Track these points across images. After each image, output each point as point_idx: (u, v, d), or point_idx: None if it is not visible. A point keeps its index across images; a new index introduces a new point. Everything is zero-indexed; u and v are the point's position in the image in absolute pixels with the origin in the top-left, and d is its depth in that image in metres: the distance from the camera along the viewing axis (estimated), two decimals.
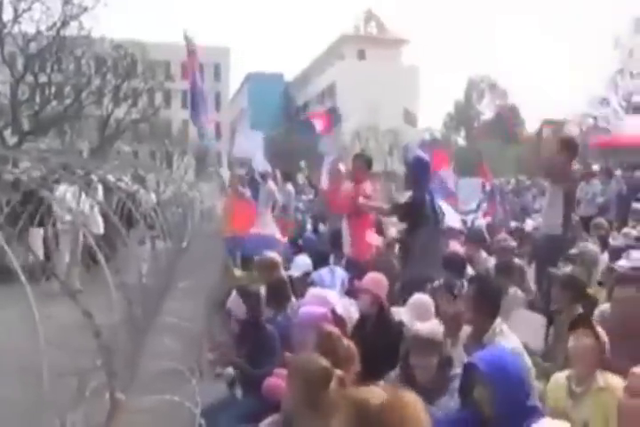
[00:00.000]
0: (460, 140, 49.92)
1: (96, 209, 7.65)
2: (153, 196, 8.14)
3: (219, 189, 7.09)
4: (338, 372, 2.13)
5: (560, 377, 2.56)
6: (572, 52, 71.53)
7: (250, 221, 6.11)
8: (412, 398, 1.61)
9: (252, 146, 8.01)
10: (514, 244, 5.52)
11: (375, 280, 3.66)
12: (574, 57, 71.81)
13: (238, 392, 3.45)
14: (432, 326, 2.83)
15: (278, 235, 5.32)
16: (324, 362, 2.13)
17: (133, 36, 28.74)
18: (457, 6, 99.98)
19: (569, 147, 5.00)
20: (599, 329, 2.49)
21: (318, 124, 8.15)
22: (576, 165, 5.11)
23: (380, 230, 5.69)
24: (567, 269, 3.64)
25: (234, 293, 3.77)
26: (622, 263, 4.41)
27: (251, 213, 6.18)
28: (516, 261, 4.86)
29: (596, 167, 10.31)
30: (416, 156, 4.86)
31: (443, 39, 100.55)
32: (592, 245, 4.80)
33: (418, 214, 4.42)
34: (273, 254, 4.83)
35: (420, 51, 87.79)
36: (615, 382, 2.38)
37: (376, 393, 1.58)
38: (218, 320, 3.83)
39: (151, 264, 4.05)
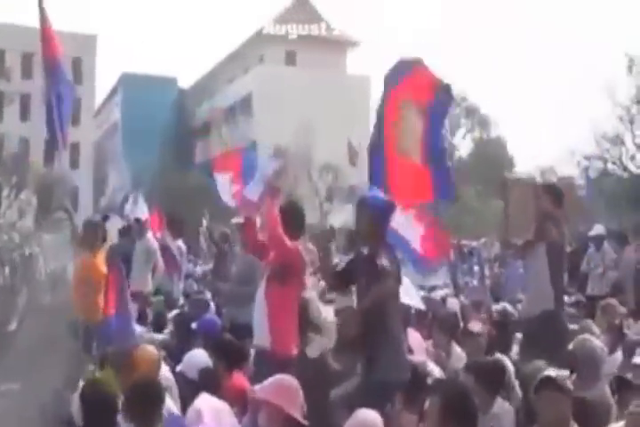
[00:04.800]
0: None
1: None
2: None
3: (70, 244, 6.95)
4: None
5: None
6: (575, 76, 77.09)
7: (112, 295, 6.01)
8: None
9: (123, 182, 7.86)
10: (494, 333, 5.74)
11: (280, 386, 3.66)
12: (578, 82, 77.58)
13: None
14: None
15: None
16: None
17: None
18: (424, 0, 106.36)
19: (554, 194, 5.36)
20: None
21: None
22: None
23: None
24: (554, 370, 3.79)
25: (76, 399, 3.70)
26: None
27: (115, 284, 6.08)
28: (499, 358, 5.04)
29: (600, 228, 10.86)
30: (372, 195, 4.90)
31: (403, 42, 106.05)
32: (591, 340, 5.04)
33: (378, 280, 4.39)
34: (147, 346, 4.75)
35: (372, 57, 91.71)
36: None
37: None
38: None
39: None
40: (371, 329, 4.45)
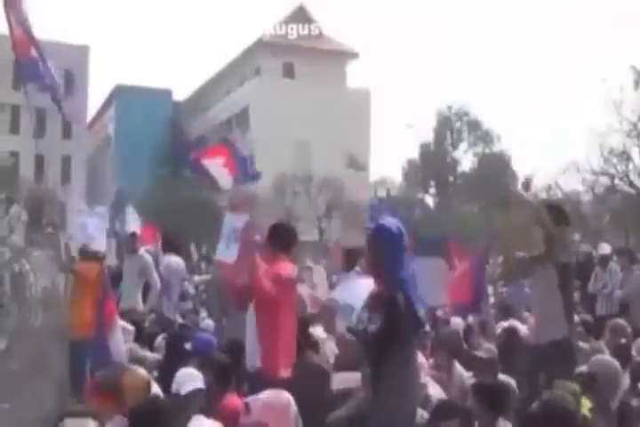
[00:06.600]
0: (429, 200, 51.68)
1: None
2: None
3: (62, 261, 6.96)
4: None
5: None
6: (581, 90, 77.34)
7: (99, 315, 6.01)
8: None
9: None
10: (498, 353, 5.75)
11: (273, 405, 3.65)
12: (584, 96, 77.85)
13: None
14: None
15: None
16: None
17: None
18: (427, 12, 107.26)
19: (560, 214, 5.39)
20: None
21: (217, 167, 7.88)
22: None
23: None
24: (556, 393, 3.76)
25: None
26: None
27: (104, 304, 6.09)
28: (503, 379, 5.04)
29: (606, 246, 10.95)
30: (380, 225, 4.37)
31: (405, 54, 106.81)
32: (610, 360, 5.03)
33: (391, 323, 3.95)
34: (136, 369, 4.73)
35: (372, 69, 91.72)
36: None
37: None
38: None
39: None
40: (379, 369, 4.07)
